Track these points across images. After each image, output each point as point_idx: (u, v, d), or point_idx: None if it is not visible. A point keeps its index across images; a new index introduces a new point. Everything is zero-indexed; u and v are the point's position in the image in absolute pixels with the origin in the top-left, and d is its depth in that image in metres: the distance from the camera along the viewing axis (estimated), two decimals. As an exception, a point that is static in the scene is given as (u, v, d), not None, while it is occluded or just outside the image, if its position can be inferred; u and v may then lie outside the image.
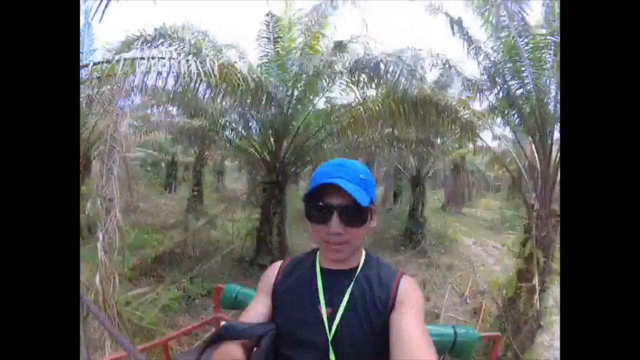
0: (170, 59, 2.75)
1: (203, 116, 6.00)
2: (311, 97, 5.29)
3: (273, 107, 4.84)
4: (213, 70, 2.61)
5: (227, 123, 6.09)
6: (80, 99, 2.85)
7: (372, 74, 3.61)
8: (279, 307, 0.88)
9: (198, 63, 2.64)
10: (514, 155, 3.73)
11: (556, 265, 3.41)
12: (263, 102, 4.33)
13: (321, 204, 0.79)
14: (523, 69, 3.06)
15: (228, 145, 6.62)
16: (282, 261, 0.97)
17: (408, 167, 8.88)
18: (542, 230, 3.07)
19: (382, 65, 3.37)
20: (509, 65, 3.19)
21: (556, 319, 4.12)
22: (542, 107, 3.04)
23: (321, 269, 0.88)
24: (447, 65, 3.96)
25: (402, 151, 6.49)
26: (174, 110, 6.76)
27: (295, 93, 5.09)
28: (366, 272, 0.86)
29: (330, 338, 0.79)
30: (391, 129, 5.60)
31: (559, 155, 3.10)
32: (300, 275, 0.89)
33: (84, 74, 2.68)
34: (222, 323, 1.52)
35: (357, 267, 0.87)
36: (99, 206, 2.32)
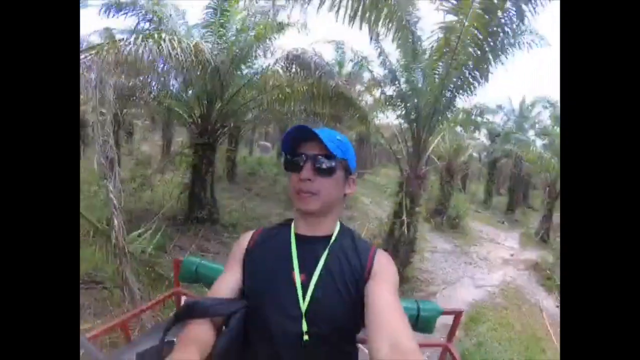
0: (146, 38, 3.38)
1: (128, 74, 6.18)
2: (245, 70, 6.14)
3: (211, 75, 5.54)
4: (190, 52, 3.38)
5: (158, 84, 6.40)
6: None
7: (302, 66, 4.81)
8: (250, 275, 0.88)
9: (175, 45, 3.36)
10: (397, 134, 5.52)
11: (419, 209, 5.34)
12: (207, 72, 5.06)
13: (297, 152, 0.86)
14: (413, 78, 4.70)
15: (156, 105, 6.90)
16: (254, 230, 0.98)
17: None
18: (410, 186, 4.89)
19: (312, 63, 4.59)
20: (405, 73, 4.78)
21: (425, 247, 6.24)
22: (420, 106, 4.76)
23: (296, 235, 0.89)
24: (362, 61, 5.40)
25: (316, 123, 7.93)
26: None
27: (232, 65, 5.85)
28: (341, 241, 0.88)
29: (304, 306, 0.80)
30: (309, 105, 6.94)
31: (426, 137, 4.90)
32: (274, 241, 0.91)
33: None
34: (183, 298, 1.54)
35: (332, 235, 0.89)
36: (102, 163, 3.03)
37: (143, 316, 2.48)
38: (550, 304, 5.67)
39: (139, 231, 3.47)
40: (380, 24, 3.27)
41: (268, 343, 0.81)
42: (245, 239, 0.95)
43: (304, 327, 0.79)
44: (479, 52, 3.77)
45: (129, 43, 3.06)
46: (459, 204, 10.49)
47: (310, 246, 0.87)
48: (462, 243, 8.73)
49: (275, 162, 15.88)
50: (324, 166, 0.84)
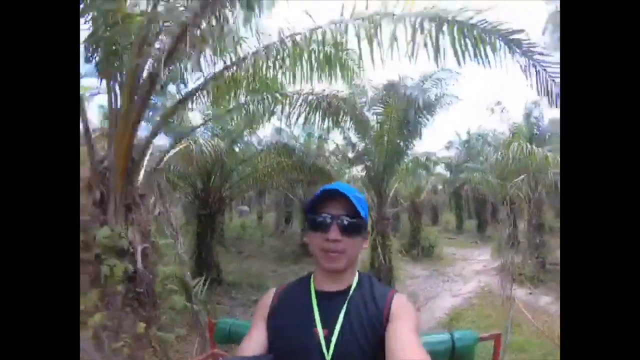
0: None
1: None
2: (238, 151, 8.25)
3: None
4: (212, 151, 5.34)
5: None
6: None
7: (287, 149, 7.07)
8: (275, 333, 0.95)
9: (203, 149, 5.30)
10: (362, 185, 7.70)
11: (389, 243, 7.30)
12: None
13: (324, 213, 0.94)
14: (367, 146, 6.95)
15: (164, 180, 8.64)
16: (276, 288, 1.07)
17: (299, 196, 12.69)
18: (380, 226, 6.89)
19: (296, 149, 6.85)
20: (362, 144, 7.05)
21: (405, 276, 8.14)
22: (375, 163, 6.95)
23: (316, 291, 0.97)
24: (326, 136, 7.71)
25: (295, 187, 10.01)
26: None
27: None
28: (360, 291, 0.96)
29: (328, 358, 0.87)
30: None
31: (384, 185, 7.04)
32: (295, 298, 0.99)
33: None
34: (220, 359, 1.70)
35: (350, 286, 0.97)
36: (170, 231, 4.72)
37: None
38: (522, 293, 7.15)
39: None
40: (340, 119, 5.37)
41: None
42: (268, 297, 1.04)
43: None
44: (406, 125, 6.15)
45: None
46: (430, 235, 12.54)
47: (331, 301, 0.95)
48: (439, 267, 10.46)
49: (257, 226, 17.56)
50: (350, 227, 0.93)
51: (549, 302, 6.87)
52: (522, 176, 5.81)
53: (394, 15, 2.57)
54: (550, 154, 6.35)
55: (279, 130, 7.59)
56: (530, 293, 7.46)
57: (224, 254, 11.54)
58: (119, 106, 2.76)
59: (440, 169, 16.54)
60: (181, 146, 5.07)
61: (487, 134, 14.38)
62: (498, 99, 10.46)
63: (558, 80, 2.94)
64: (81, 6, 2.45)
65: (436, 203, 21.69)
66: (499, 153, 7.94)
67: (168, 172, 7.89)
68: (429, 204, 19.26)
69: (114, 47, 2.63)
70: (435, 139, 20.53)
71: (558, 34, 4.93)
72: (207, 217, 8.23)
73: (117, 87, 2.78)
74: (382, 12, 2.61)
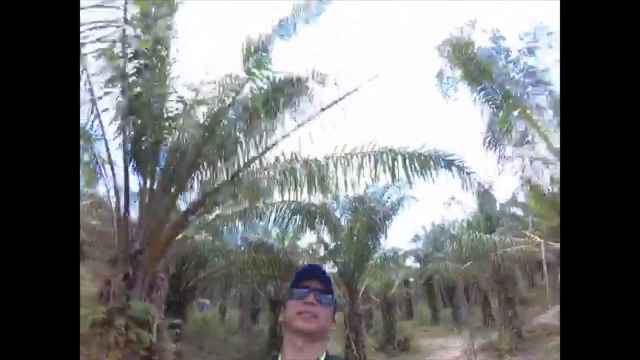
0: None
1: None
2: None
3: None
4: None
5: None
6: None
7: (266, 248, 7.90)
8: None
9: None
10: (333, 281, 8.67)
11: (362, 338, 7.72)
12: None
13: (304, 286, 1.13)
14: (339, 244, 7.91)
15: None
16: None
17: (268, 291, 12.95)
18: (352, 323, 7.42)
19: (273, 247, 7.77)
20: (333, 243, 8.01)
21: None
22: (346, 261, 7.86)
23: None
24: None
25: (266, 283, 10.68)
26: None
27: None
28: None
29: None
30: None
31: (355, 283, 7.81)
32: None
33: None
34: None
35: (318, 359, 1.06)
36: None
37: None
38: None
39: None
40: (315, 222, 6.41)
41: None
42: None
43: None
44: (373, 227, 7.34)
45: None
46: (404, 329, 12.90)
47: None
48: (416, 359, 10.68)
49: (219, 322, 16.85)
50: (324, 298, 1.12)
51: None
52: (469, 262, 6.88)
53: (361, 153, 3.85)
54: (498, 239, 7.51)
55: (253, 227, 8.45)
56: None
57: (183, 348, 11.12)
58: (146, 199, 3.60)
59: (409, 261, 17.52)
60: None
61: (449, 225, 15.81)
62: (453, 193, 12.10)
63: (486, 185, 4.33)
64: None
65: (408, 295, 22.09)
66: (454, 243, 9.13)
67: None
68: (401, 297, 19.66)
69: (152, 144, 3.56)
70: (402, 234, 21.90)
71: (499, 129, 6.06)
72: (176, 304, 8.35)
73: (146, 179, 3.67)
74: (353, 152, 3.89)
